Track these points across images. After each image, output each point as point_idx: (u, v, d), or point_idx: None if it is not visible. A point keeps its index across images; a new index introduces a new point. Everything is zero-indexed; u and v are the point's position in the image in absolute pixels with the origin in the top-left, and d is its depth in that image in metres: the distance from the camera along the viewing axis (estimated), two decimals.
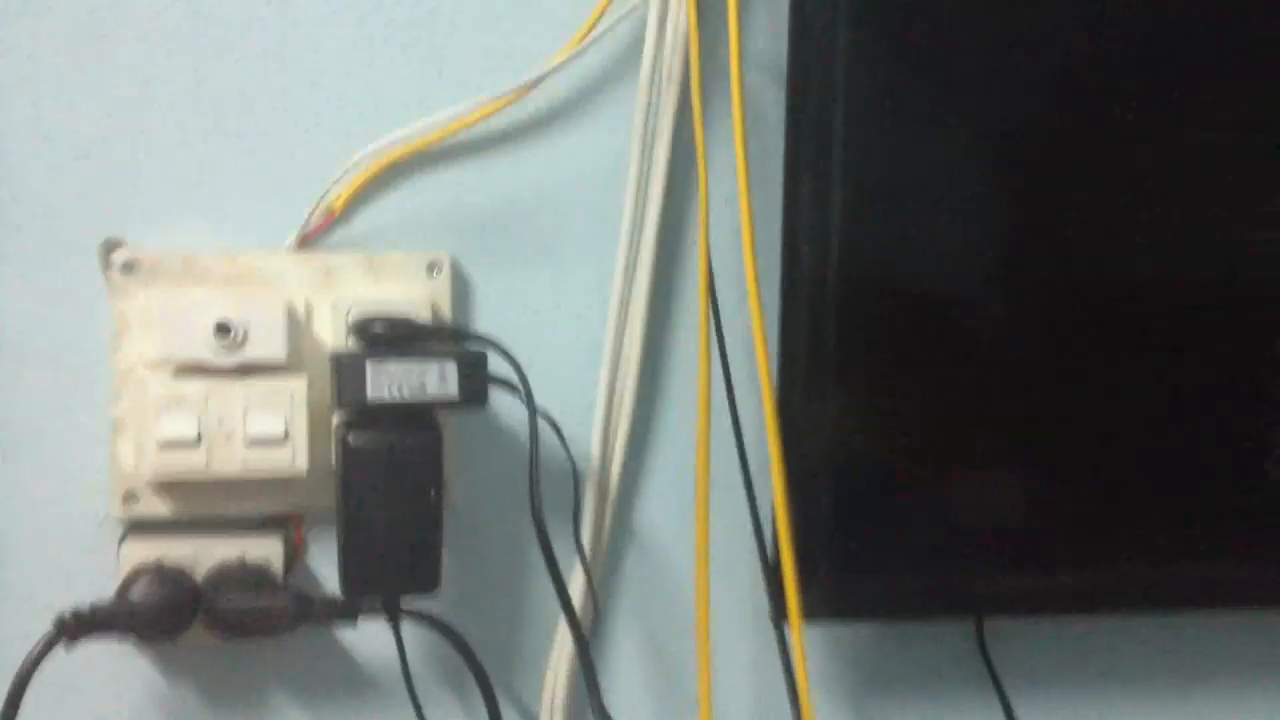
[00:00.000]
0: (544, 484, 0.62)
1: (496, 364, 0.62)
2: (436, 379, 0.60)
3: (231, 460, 0.61)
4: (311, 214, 0.65)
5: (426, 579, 0.61)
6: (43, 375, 0.64)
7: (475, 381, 0.60)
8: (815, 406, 0.66)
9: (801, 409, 0.66)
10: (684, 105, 0.68)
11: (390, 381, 0.59)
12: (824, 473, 0.67)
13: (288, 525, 0.67)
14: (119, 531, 0.64)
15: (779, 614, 0.66)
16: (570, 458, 0.67)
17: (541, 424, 0.64)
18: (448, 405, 0.60)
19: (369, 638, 0.68)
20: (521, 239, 0.69)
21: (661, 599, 0.72)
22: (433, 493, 0.61)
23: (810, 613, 0.66)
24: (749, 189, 0.65)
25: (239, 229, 0.66)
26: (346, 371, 0.59)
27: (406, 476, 0.60)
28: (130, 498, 0.63)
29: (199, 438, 0.61)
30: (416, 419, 0.61)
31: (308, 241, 0.66)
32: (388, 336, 0.62)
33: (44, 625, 0.58)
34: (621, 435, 0.69)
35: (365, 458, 0.60)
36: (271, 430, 0.62)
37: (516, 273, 0.69)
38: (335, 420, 0.63)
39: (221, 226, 0.66)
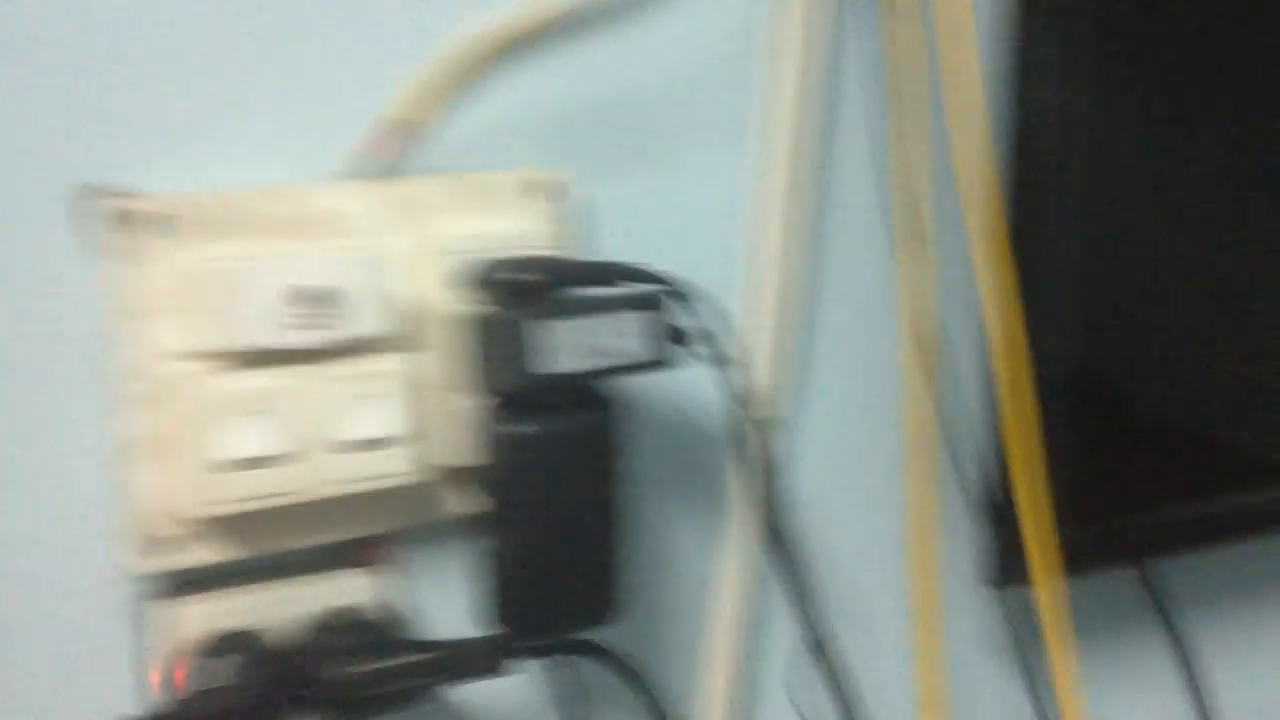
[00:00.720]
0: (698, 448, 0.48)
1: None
2: (612, 337, 0.44)
3: (323, 476, 0.44)
4: (378, 128, 0.48)
5: (607, 606, 0.46)
6: (12, 382, 0.44)
7: (659, 335, 0.45)
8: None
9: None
10: None
11: (555, 346, 0.43)
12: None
13: (358, 553, 0.49)
14: (141, 592, 0.46)
15: (1003, 575, 0.55)
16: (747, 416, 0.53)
17: (709, 376, 0.50)
18: (628, 370, 0.45)
19: (507, 684, 0.52)
20: (641, 142, 0.53)
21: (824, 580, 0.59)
22: (611, 491, 0.45)
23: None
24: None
25: (273, 155, 0.47)
26: (498, 339, 0.43)
27: (577, 471, 0.45)
28: (162, 544, 0.45)
29: (279, 449, 0.43)
30: (582, 393, 0.45)
31: (374, 164, 0.48)
32: (527, 284, 0.45)
33: None
34: (776, 381, 0.55)
35: (526, 451, 0.44)
36: (374, 431, 0.44)
37: (638, 185, 0.53)
38: (467, 404, 0.46)
39: (249, 153, 0.47)
